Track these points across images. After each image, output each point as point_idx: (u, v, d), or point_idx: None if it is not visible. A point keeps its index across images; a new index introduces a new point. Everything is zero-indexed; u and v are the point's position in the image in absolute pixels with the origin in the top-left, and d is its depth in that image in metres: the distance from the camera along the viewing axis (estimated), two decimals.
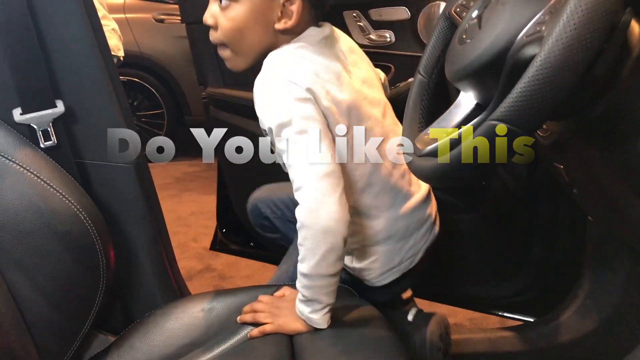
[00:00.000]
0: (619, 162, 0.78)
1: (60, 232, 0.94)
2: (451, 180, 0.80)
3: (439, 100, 0.88)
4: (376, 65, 1.33)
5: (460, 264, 1.47)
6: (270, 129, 0.92)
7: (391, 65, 1.33)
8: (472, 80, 0.72)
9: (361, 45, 1.31)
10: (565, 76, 0.53)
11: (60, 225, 0.94)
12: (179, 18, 4.01)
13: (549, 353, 1.34)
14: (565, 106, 0.68)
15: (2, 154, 0.92)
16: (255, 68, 1.60)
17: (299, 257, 0.93)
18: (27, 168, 0.93)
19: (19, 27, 0.95)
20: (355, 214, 1.03)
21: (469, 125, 0.69)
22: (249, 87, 1.60)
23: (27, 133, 0.99)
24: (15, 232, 0.91)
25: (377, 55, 1.33)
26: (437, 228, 1.14)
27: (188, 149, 1.35)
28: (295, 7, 0.95)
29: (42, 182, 0.94)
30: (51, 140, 1.00)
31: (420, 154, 0.75)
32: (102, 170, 1.07)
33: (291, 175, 0.92)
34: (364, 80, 1.04)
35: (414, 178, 1.07)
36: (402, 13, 1.30)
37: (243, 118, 1.56)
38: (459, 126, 0.75)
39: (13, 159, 0.93)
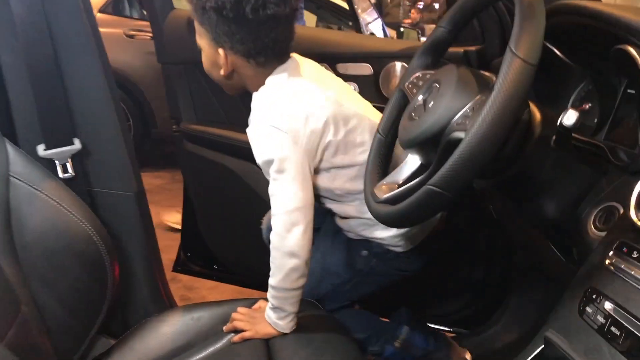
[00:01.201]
0: (527, 212, 1.02)
1: (77, 251, 1.13)
2: (401, 224, 1.01)
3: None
4: None
5: (414, 285, 1.69)
6: (259, 164, 1.13)
7: None
8: (417, 149, 0.94)
9: None
10: (479, 158, 0.76)
11: (78, 245, 1.13)
12: (149, 35, 4.09)
13: (483, 358, 1.57)
14: (487, 171, 0.92)
15: (30, 184, 1.10)
16: (228, 105, 1.76)
17: (270, 272, 1.13)
18: (51, 196, 1.11)
19: (46, 75, 1.14)
20: None
21: (415, 183, 0.92)
22: (221, 123, 1.76)
23: (48, 165, 1.17)
24: (40, 251, 1.09)
25: None
26: None
27: (154, 161, 1.51)
28: (221, 60, 1.12)
29: (62, 209, 1.12)
30: (69, 172, 1.18)
31: (378, 201, 0.97)
32: (108, 197, 1.25)
33: (271, 203, 1.12)
34: (338, 88, 1.23)
35: None
36: (365, 69, 1.53)
37: (215, 152, 1.73)
38: (407, 180, 0.98)
39: (39, 189, 1.11)
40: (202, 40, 1.14)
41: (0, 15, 1.11)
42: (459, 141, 0.80)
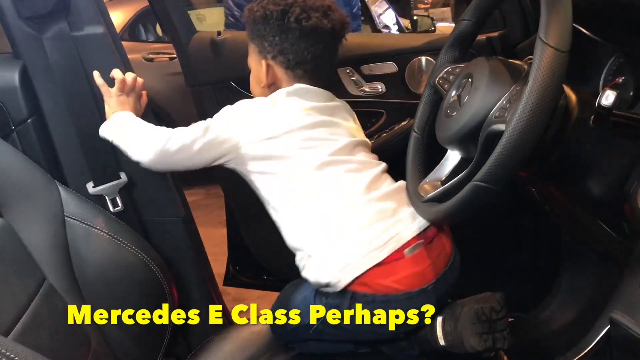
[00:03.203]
0: (573, 193, 1.02)
1: (137, 281, 1.17)
2: (450, 221, 1.02)
3: (432, 151, 1.11)
4: (369, 113, 1.55)
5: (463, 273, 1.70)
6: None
7: (383, 112, 1.55)
8: (457, 144, 0.95)
9: (355, 96, 1.53)
10: (523, 149, 0.77)
11: (136, 275, 1.17)
12: (167, 56, 4.16)
13: (541, 341, 1.57)
14: (529, 159, 0.92)
15: (85, 222, 1.14)
16: None
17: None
18: (105, 231, 1.15)
19: (88, 115, 1.18)
20: None
21: (460, 178, 0.93)
22: None
23: (98, 202, 1.21)
24: (102, 284, 1.13)
25: (370, 103, 1.55)
26: None
27: (186, 179, 1.50)
28: (263, 72, 1.20)
29: (118, 242, 1.16)
30: (119, 206, 1.22)
31: (423, 200, 0.99)
32: (158, 224, 1.29)
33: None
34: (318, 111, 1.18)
35: None
36: (390, 67, 1.53)
37: None
38: (450, 176, 0.99)
39: (94, 225, 1.15)
40: (251, 59, 1.24)
41: (37, 62, 1.15)
42: (499, 133, 0.81)
